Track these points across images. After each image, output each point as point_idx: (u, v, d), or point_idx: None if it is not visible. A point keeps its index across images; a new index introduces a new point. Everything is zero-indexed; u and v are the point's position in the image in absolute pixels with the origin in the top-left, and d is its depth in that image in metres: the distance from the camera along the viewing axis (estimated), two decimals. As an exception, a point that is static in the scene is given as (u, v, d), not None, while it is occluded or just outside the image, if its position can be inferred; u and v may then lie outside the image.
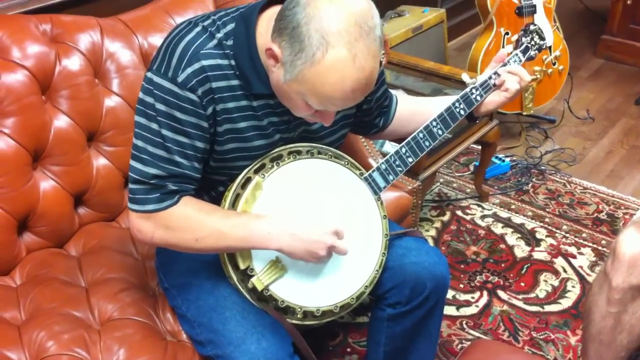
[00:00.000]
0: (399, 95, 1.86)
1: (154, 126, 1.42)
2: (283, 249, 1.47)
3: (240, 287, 1.53)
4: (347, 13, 1.28)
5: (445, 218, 2.98)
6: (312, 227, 1.47)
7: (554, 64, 3.42)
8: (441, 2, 3.88)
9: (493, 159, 3.19)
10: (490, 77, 1.71)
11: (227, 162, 1.53)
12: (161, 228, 1.46)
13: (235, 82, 1.44)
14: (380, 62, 1.38)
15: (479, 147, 3.04)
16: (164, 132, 1.42)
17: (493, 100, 1.72)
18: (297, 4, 1.30)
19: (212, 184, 1.58)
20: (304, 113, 1.45)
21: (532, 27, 1.81)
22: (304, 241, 1.45)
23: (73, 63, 1.90)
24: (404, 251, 1.70)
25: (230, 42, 1.43)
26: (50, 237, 1.90)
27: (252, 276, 1.50)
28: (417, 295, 1.68)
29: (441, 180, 3.25)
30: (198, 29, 1.44)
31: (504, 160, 3.30)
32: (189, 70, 1.39)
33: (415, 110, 1.81)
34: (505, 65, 1.71)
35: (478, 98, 1.71)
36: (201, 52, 1.40)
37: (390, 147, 2.56)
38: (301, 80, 1.33)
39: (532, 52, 1.79)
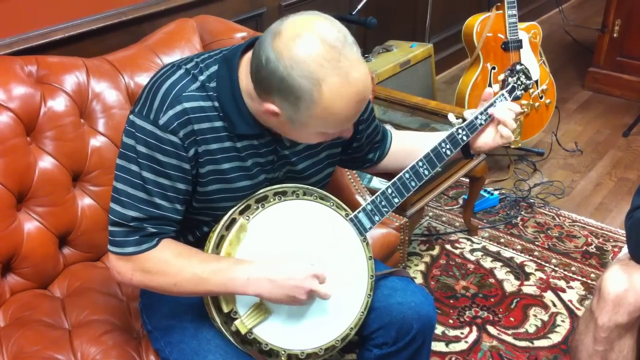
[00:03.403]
0: (398, 129, 1.87)
1: (134, 168, 1.42)
2: (262, 295, 1.46)
3: (223, 330, 1.52)
4: (316, 40, 1.30)
5: (435, 252, 2.98)
6: (292, 272, 1.46)
7: (541, 98, 3.45)
8: (429, 37, 3.91)
9: (482, 192, 3.20)
10: (476, 118, 1.71)
11: (210, 202, 1.53)
12: (139, 271, 1.46)
13: (218, 124, 1.45)
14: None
15: (468, 180, 3.04)
16: (145, 174, 1.42)
17: (486, 142, 1.72)
18: (269, 60, 1.31)
19: (197, 224, 1.58)
20: (321, 140, 1.49)
21: (518, 67, 1.81)
22: (283, 287, 1.45)
23: (58, 104, 1.90)
24: (389, 291, 1.69)
25: (213, 84, 1.44)
26: (34, 278, 1.89)
27: (235, 319, 1.49)
28: (404, 336, 1.67)
29: (430, 213, 3.25)
30: (181, 71, 1.45)
31: (492, 194, 3.31)
32: (171, 112, 1.40)
33: (413, 146, 1.80)
34: (491, 105, 1.72)
35: (464, 138, 1.71)
36: (183, 94, 1.41)
37: (377, 182, 2.56)
38: (310, 121, 1.37)
39: (518, 92, 1.80)
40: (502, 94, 1.78)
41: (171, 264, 1.45)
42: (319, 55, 1.29)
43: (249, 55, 1.45)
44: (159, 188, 1.43)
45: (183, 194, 1.46)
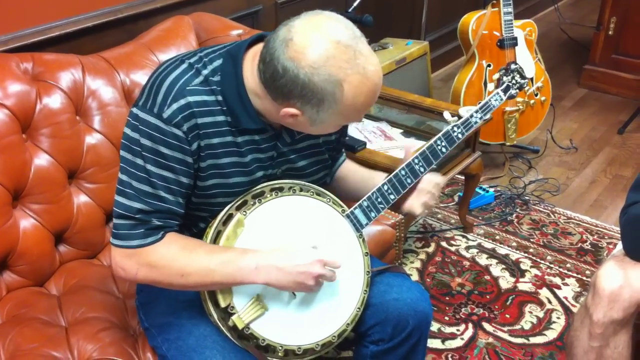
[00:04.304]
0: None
1: (139, 161, 1.42)
2: (271, 283, 1.47)
3: (220, 325, 1.52)
4: (331, 42, 1.32)
5: (430, 249, 2.98)
6: (298, 259, 1.47)
7: (536, 95, 3.46)
8: (424, 35, 3.91)
9: (477, 189, 3.21)
10: (472, 116, 1.72)
11: (208, 198, 1.53)
12: (145, 266, 1.45)
13: (221, 118, 1.45)
14: None
15: (463, 178, 3.05)
16: (149, 167, 1.42)
17: (411, 206, 1.70)
18: (287, 69, 1.32)
19: (193, 220, 1.58)
20: (336, 130, 1.54)
21: (513, 67, 1.83)
22: (291, 274, 1.46)
23: (54, 101, 1.90)
24: (386, 288, 1.70)
25: (217, 78, 1.45)
26: (30, 275, 1.89)
27: (232, 314, 1.50)
28: (400, 332, 1.68)
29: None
30: (184, 65, 1.45)
31: (488, 191, 3.32)
32: (175, 106, 1.40)
33: (359, 179, 1.80)
34: (486, 106, 1.73)
35: (459, 136, 1.71)
36: (187, 88, 1.42)
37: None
38: (332, 118, 1.41)
39: (512, 91, 1.81)
40: (497, 93, 1.79)
41: (178, 257, 1.45)
42: (336, 57, 1.31)
43: (252, 51, 1.46)
44: (163, 181, 1.43)
45: (185, 187, 1.47)
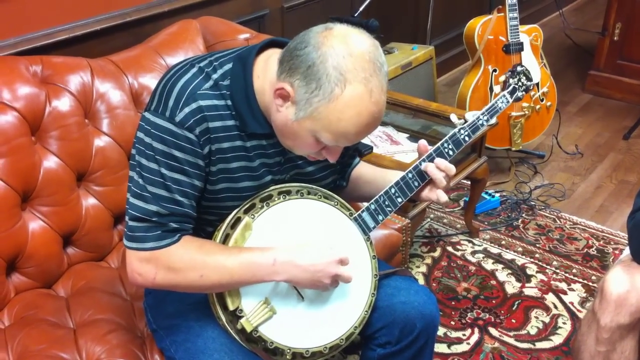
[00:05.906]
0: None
1: (153, 166, 1.42)
2: (290, 280, 1.48)
3: (229, 328, 1.52)
4: (360, 51, 1.33)
5: (436, 254, 2.99)
6: (315, 257, 1.48)
7: (542, 100, 3.46)
8: (430, 39, 3.92)
9: (483, 194, 3.21)
10: (478, 119, 1.72)
11: (217, 202, 1.53)
12: (164, 269, 1.45)
13: (230, 122, 1.46)
14: None
15: (469, 182, 3.05)
16: (163, 171, 1.42)
17: (418, 195, 1.68)
18: (309, 44, 1.34)
19: (202, 223, 1.58)
20: (310, 151, 1.47)
21: (519, 69, 1.83)
22: (308, 271, 1.47)
23: (63, 104, 1.91)
24: (393, 291, 1.70)
25: (226, 82, 1.45)
26: (38, 277, 1.89)
27: (241, 317, 1.50)
28: (407, 335, 1.68)
29: (432, 215, 3.26)
30: (194, 70, 1.46)
31: (493, 196, 3.32)
32: (187, 109, 1.40)
33: (373, 178, 1.79)
34: (492, 108, 1.73)
35: (466, 138, 1.71)
36: (198, 92, 1.42)
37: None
38: (316, 117, 1.36)
39: (519, 93, 1.82)
40: (504, 95, 1.79)
41: (196, 258, 1.45)
42: (357, 60, 1.32)
43: (263, 55, 1.47)
44: (178, 185, 1.43)
45: (198, 190, 1.47)
